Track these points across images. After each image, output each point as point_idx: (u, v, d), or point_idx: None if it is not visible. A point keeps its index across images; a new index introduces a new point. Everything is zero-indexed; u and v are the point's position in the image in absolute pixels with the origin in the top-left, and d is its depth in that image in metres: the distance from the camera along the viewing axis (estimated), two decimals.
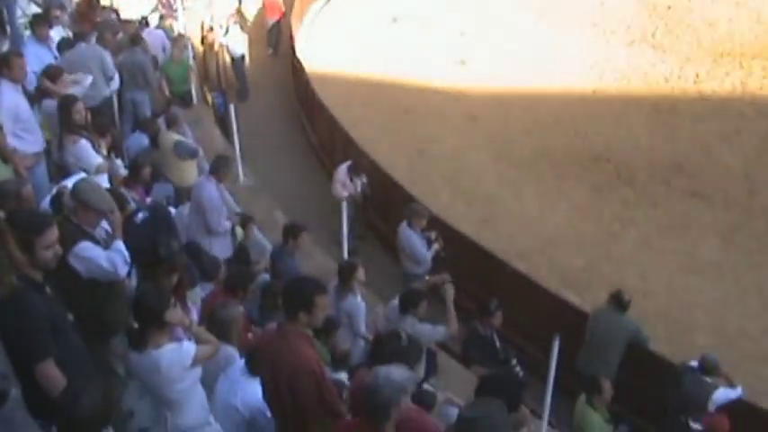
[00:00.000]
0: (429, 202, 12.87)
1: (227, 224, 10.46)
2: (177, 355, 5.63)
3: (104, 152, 9.73)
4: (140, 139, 12.47)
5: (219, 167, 10.29)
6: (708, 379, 9.99)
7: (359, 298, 9.29)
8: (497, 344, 9.47)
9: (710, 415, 9.77)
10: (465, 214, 14.69)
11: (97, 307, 6.54)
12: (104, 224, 6.73)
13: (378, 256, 13.37)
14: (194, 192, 10.42)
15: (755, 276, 14.20)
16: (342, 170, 13.71)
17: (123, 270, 6.52)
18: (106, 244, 6.55)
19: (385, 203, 13.98)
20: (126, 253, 6.52)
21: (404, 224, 11.40)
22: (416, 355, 5.64)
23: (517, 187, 16.09)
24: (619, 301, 10.62)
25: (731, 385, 10.07)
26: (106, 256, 6.37)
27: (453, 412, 5.11)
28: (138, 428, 6.50)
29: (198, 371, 5.87)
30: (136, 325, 5.78)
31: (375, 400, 4.69)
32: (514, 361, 9.64)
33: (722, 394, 9.92)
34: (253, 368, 6.77)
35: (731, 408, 9.86)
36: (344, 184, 13.52)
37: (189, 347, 5.73)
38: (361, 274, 9.30)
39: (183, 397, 5.81)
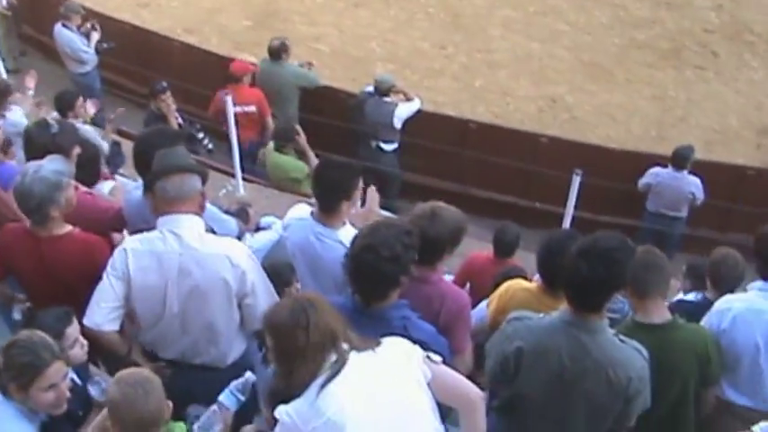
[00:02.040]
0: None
1: None
2: None
3: None
4: None
5: None
6: (386, 99, 10.39)
7: (19, 113, 8.86)
8: (180, 121, 9.47)
9: None
10: (122, 1, 14.17)
11: None
12: None
13: (44, 67, 12.75)
14: None
15: None
16: None
17: None
18: None
19: (36, 12, 13.25)
20: None
21: (59, 26, 11.07)
22: (69, 142, 5.47)
23: None
24: (275, 51, 10.66)
25: (408, 99, 10.56)
26: None
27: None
28: None
29: None
30: None
31: (27, 200, 4.55)
32: (201, 134, 9.69)
33: (404, 109, 10.35)
34: None
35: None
36: None
37: None
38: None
39: None
